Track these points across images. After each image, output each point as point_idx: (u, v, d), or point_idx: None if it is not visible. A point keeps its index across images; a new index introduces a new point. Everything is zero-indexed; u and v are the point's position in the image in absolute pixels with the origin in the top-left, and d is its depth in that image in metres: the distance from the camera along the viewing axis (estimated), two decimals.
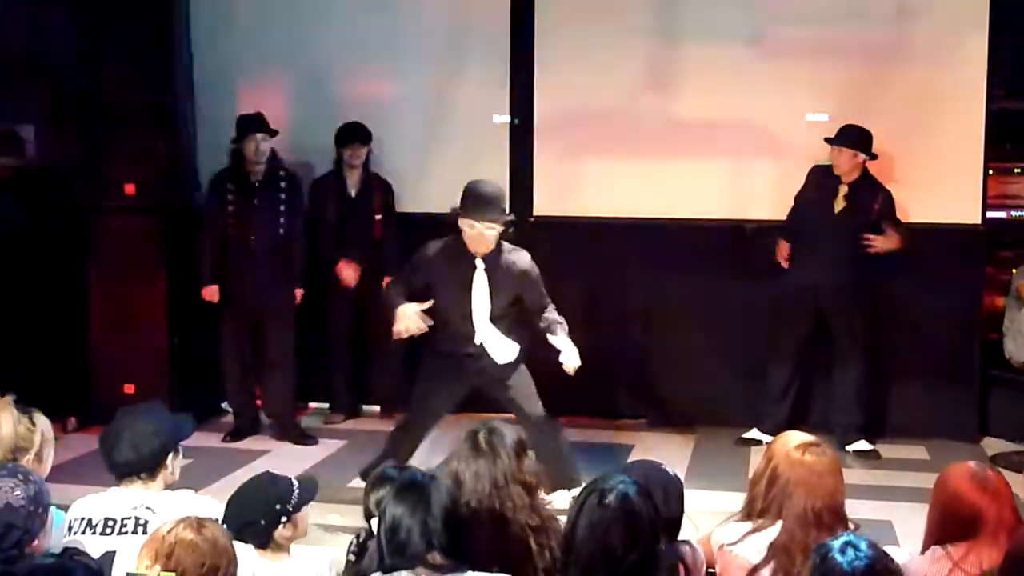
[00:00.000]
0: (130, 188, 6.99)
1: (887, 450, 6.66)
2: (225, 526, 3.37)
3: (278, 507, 3.43)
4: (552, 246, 7.26)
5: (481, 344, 5.41)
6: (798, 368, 6.79)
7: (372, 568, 3.00)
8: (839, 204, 6.59)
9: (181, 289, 7.01)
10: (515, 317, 5.52)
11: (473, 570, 2.95)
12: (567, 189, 7.34)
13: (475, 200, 5.27)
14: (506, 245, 5.43)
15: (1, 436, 3.58)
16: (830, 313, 6.63)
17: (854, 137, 6.50)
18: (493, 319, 5.39)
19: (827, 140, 6.53)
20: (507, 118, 7.31)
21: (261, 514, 3.41)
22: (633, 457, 6.34)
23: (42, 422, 3.74)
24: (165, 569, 2.74)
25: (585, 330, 7.22)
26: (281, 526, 3.43)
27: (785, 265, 6.72)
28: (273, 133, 6.72)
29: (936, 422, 6.88)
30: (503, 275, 5.38)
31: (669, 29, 7.12)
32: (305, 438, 6.85)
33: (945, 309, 6.91)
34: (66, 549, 2.74)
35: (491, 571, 2.98)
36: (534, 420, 5.41)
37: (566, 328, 5.48)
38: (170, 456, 3.64)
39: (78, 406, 6.93)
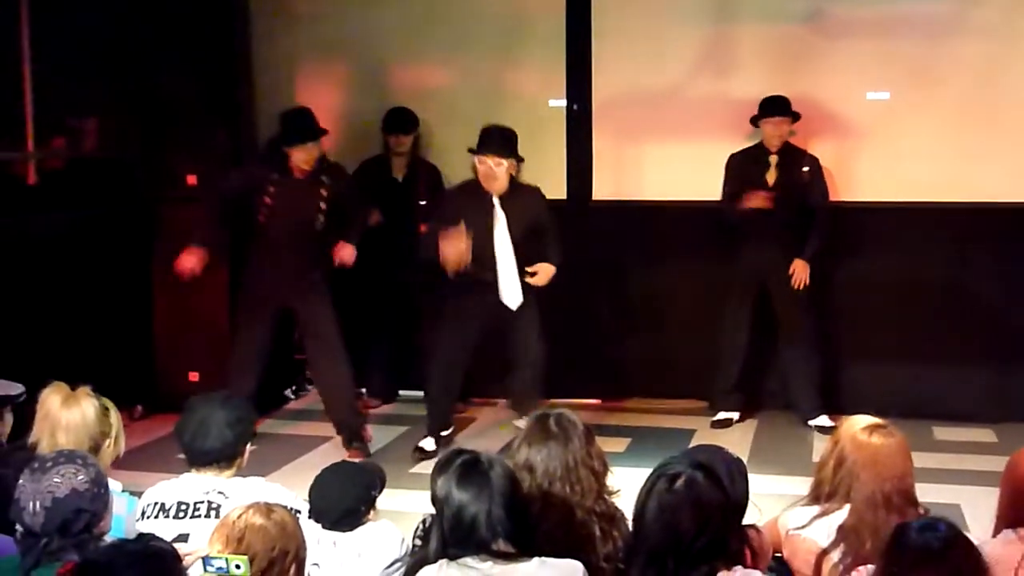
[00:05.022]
0: (192, 178, 7.06)
1: (955, 433, 6.60)
2: (314, 518, 3.47)
3: (373, 493, 3.65)
4: (611, 230, 7.28)
5: (497, 276, 5.97)
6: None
7: (436, 554, 3.00)
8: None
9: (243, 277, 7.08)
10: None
11: (539, 556, 2.94)
12: (626, 173, 7.32)
13: (482, 137, 5.93)
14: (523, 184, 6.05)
15: (87, 424, 3.68)
16: None
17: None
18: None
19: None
20: (564, 102, 7.30)
21: (361, 501, 3.61)
22: (695, 442, 6.33)
23: (112, 407, 3.83)
24: (236, 553, 2.78)
25: (644, 314, 7.30)
26: (374, 510, 3.64)
27: None
28: (321, 134, 6.18)
29: (1004, 405, 6.79)
30: (520, 211, 5.94)
31: (726, 10, 7.07)
32: (356, 440, 6.35)
33: (1011, 289, 6.82)
34: (141, 535, 2.78)
35: (555, 556, 2.97)
36: (529, 356, 6.12)
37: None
38: (247, 445, 3.72)
39: (144, 394, 7.04)
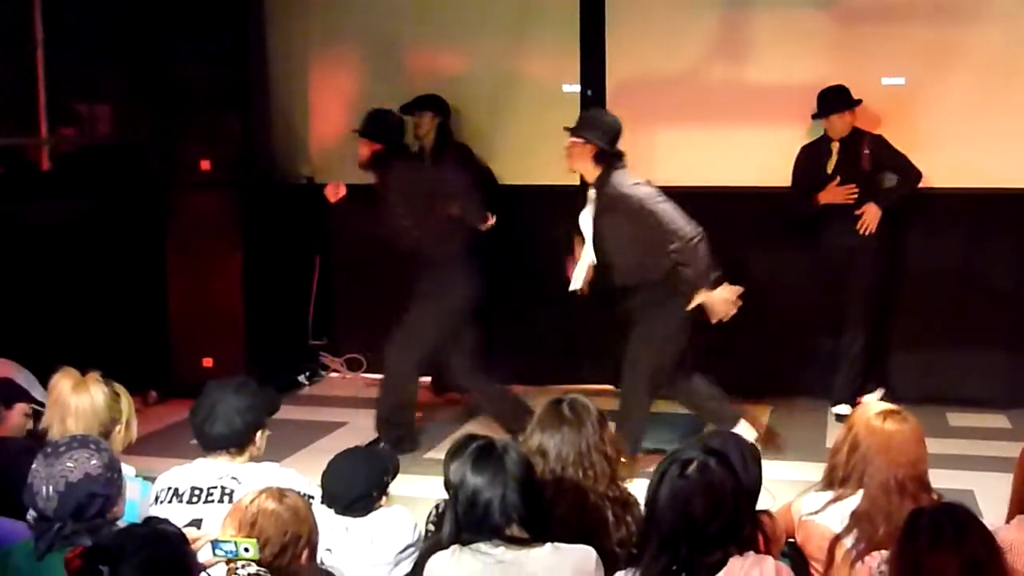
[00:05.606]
0: (205, 164, 7.07)
1: (969, 419, 6.57)
2: (327, 503, 3.47)
3: (386, 479, 3.69)
4: None
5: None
6: None
7: (449, 539, 3.00)
8: None
9: (257, 262, 7.09)
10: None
11: (552, 542, 2.94)
12: (639, 158, 7.24)
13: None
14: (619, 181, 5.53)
15: (96, 410, 3.69)
16: None
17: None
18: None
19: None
20: (577, 87, 7.28)
21: (373, 487, 3.64)
22: (710, 428, 6.31)
23: (123, 392, 3.84)
24: (248, 538, 2.78)
25: None
26: (386, 496, 3.65)
27: None
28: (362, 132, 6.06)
29: (1018, 391, 6.77)
30: (605, 205, 5.59)
31: None
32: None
33: None
34: (149, 519, 2.78)
35: (568, 541, 2.97)
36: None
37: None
38: (259, 432, 3.71)
39: (158, 380, 7.05)
